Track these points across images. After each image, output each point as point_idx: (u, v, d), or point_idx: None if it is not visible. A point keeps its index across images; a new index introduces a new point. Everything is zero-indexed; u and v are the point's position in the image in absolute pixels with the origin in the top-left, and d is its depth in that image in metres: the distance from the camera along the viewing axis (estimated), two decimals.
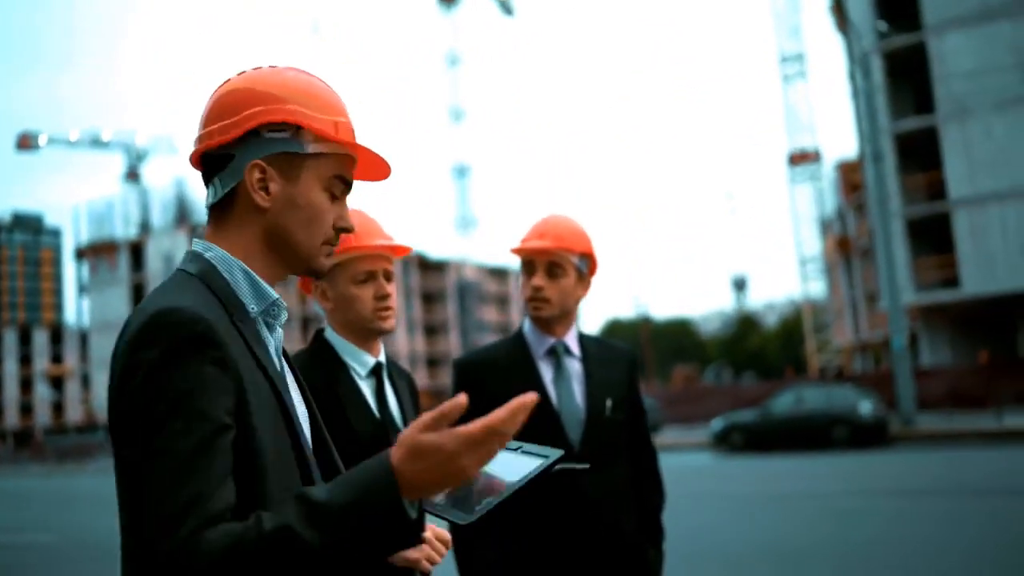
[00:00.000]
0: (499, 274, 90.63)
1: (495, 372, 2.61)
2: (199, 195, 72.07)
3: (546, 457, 1.32)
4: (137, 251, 72.60)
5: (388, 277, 2.35)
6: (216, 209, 1.41)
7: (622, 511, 2.63)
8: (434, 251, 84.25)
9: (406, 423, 2.33)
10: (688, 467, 20.13)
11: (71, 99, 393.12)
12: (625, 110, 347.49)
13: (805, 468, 17.72)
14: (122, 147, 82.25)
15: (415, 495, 1.18)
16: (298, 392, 1.46)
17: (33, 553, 12.27)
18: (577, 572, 2.49)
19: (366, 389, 2.31)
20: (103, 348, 72.63)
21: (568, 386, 2.62)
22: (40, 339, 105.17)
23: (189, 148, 1.46)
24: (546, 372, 2.64)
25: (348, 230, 1.45)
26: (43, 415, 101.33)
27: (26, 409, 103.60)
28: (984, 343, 34.62)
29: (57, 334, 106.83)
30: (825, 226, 58.65)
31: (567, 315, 2.70)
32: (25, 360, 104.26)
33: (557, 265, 2.64)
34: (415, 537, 1.21)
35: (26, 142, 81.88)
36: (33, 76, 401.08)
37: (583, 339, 2.77)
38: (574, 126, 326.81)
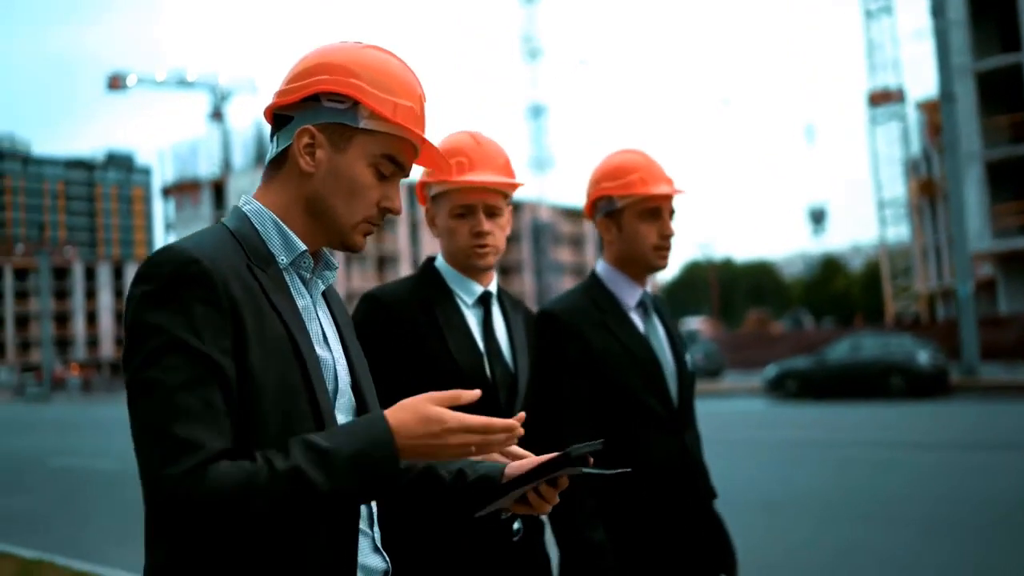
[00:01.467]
0: (574, 215, 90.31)
1: (590, 324, 2.38)
2: None
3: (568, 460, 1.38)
4: (219, 189, 74.59)
5: (491, 212, 2.22)
6: (270, 166, 1.46)
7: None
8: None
9: (516, 356, 2.26)
10: (740, 413, 20.19)
11: (159, 40, 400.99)
12: (702, 46, 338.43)
13: (854, 417, 17.60)
14: (207, 87, 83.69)
15: (404, 455, 1.29)
16: (338, 341, 1.49)
17: (97, 477, 13.14)
18: (693, 532, 2.36)
19: (471, 318, 2.23)
20: None
21: (660, 340, 2.45)
22: (132, 274, 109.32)
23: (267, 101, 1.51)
24: (639, 325, 2.44)
25: (393, 212, 1.46)
26: None
27: (119, 341, 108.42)
28: None
29: None
30: (910, 168, 56.78)
31: None
32: (119, 294, 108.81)
33: (673, 210, 2.47)
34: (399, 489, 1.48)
35: (116, 83, 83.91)
36: (123, 17, 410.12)
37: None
38: (649, 63, 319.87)
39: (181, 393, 1.22)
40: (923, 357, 21.02)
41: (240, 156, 74.93)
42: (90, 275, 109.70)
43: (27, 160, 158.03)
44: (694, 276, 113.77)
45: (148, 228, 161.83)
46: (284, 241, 1.41)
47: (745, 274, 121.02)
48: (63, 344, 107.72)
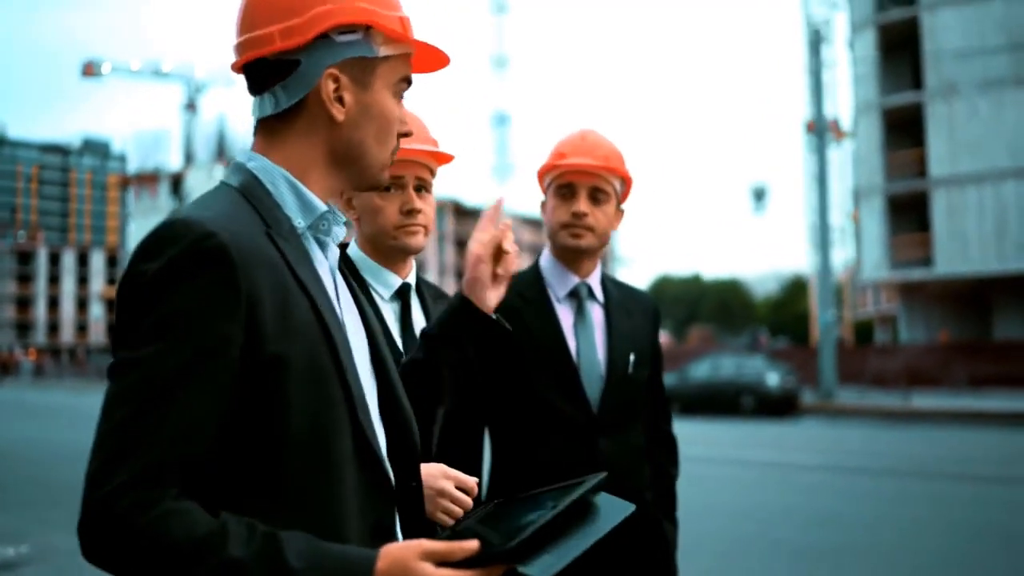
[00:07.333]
0: (534, 224, 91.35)
1: (508, 313, 2.16)
2: (238, 130, 74.34)
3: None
4: (177, 183, 75.28)
5: (421, 187, 2.01)
6: (273, 120, 1.25)
7: (641, 479, 2.31)
8: (470, 198, 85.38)
9: None
10: None
11: (140, 28, 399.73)
12: (663, 64, 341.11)
13: (698, 433, 18.50)
14: (182, 79, 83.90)
15: None
16: (356, 313, 1.34)
17: None
18: (596, 545, 2.29)
19: (388, 314, 2.00)
20: None
21: (589, 336, 2.30)
22: (97, 261, 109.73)
23: (231, 53, 1.28)
24: (565, 317, 2.30)
25: (408, 134, 1.33)
26: (97, 334, 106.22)
27: (81, 328, 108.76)
28: (959, 323, 34.72)
29: (114, 257, 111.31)
30: (853, 196, 58.12)
31: (601, 249, 2.34)
32: (83, 280, 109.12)
33: (601, 189, 2.28)
34: None
35: (90, 70, 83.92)
36: (105, 4, 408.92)
37: (605, 281, 2.40)
38: (615, 75, 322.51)
39: (164, 386, 1.06)
40: (772, 379, 22.16)
41: (203, 149, 75.75)
42: (54, 260, 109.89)
43: (1, 142, 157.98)
44: (663, 292, 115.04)
45: (122, 216, 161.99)
46: (301, 202, 1.24)
47: (713, 291, 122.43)
48: (23, 328, 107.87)
